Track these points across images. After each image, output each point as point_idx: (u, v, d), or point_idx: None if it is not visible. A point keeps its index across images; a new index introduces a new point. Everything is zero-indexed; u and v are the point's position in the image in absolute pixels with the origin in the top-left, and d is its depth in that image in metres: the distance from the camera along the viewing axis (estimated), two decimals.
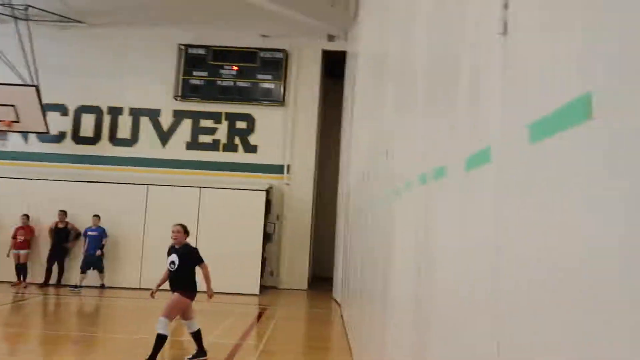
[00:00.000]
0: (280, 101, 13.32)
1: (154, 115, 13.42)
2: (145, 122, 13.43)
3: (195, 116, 13.40)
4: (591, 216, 0.96)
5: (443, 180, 2.24)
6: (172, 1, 12.23)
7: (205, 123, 13.41)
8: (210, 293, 5.99)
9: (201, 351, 5.90)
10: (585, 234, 0.99)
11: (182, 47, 13.36)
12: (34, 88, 12.04)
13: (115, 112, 13.47)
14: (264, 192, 11.94)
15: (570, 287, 1.04)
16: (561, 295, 1.08)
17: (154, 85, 13.23)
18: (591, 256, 0.95)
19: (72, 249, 11.92)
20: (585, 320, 0.97)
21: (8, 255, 11.55)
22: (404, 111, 3.74)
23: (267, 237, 12.33)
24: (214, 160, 13.21)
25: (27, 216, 11.75)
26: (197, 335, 5.88)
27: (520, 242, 1.36)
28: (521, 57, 1.43)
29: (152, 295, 6.09)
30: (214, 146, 13.33)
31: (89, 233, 11.53)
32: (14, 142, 13.18)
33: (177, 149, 13.30)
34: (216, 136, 13.35)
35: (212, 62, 13.34)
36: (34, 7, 12.21)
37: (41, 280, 11.60)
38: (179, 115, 13.41)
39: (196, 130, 13.38)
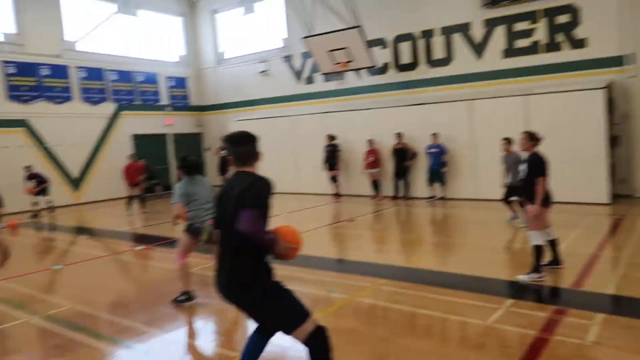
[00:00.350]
0: None
1: (464, 29, 13.40)
2: (457, 39, 13.56)
3: (508, 21, 12.72)
4: None
5: None
6: None
7: (520, 26, 12.59)
8: (532, 209, 5.66)
9: (555, 260, 5.96)
10: None
11: None
12: (357, 29, 13.62)
13: (427, 35, 14.02)
14: (602, 90, 10.55)
15: None
16: None
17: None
18: None
19: (411, 167, 13.39)
20: None
21: (364, 174, 13.87)
22: None
23: (613, 141, 11.03)
24: (535, 64, 12.41)
25: (371, 141, 13.68)
26: (552, 244, 5.94)
27: None
28: None
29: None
30: (532, 49, 12.46)
31: (430, 150, 12.60)
32: (351, 80, 15.32)
33: (493, 59, 13.04)
34: (534, 38, 12.41)
35: None
36: None
37: (391, 194, 13.56)
38: (489, 24, 12.99)
39: (511, 36, 12.73)
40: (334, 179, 14.34)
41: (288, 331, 2.90)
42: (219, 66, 19.36)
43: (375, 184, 13.73)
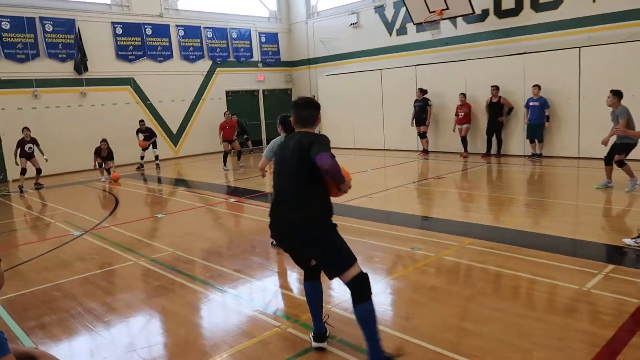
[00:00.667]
0: None
1: None
2: None
3: None
4: None
5: None
6: None
7: None
8: None
9: None
10: None
11: None
12: None
13: None
14: None
15: None
16: None
17: None
18: None
19: (506, 122, 12.64)
20: None
21: (454, 130, 13.35)
22: None
23: None
24: None
25: (464, 95, 13.04)
26: None
27: None
28: None
29: None
30: None
31: (531, 103, 11.78)
32: (445, 29, 14.53)
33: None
34: None
35: None
36: None
37: (484, 151, 12.96)
38: None
39: None
40: (422, 135, 13.97)
41: (340, 271, 3.18)
42: (310, 20, 19.25)
43: (464, 141, 13.17)
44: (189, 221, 7.84)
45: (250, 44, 19.09)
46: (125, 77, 15.94)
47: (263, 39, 19.48)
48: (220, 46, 18.21)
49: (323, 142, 3.16)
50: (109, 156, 13.07)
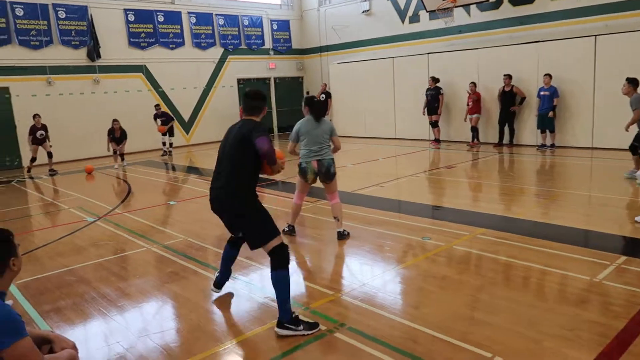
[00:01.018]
0: None
1: None
2: None
3: None
4: None
5: None
6: None
7: None
8: None
9: None
10: None
11: None
12: None
13: None
14: None
15: None
16: None
17: None
18: None
19: (518, 112, 12.51)
20: None
21: (465, 120, 13.25)
22: None
23: None
24: None
25: (474, 83, 12.90)
26: None
27: None
28: None
29: None
30: None
31: (542, 93, 11.65)
32: (459, 17, 14.36)
33: None
34: None
35: None
36: None
37: (496, 140, 12.85)
38: None
39: None
40: (434, 124, 13.88)
41: (261, 243, 3.66)
42: (322, 7, 19.12)
43: (473, 131, 13.06)
44: (201, 208, 7.89)
45: (262, 31, 19.04)
46: (137, 64, 15.99)
47: (275, 27, 19.40)
48: (231, 33, 18.19)
49: (262, 129, 3.67)
50: (122, 136, 13.10)
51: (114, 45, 15.45)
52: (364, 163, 11.69)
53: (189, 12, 17.02)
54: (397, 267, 4.87)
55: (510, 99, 12.35)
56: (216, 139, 17.54)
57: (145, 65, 16.15)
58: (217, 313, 4.13)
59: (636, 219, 5.41)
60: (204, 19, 17.39)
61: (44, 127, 12.31)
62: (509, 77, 12.19)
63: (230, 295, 4.45)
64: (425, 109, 13.85)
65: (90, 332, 3.90)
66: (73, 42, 14.69)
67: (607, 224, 5.85)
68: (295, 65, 20.26)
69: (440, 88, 13.59)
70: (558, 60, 11.66)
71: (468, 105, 13.03)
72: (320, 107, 5.91)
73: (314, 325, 3.61)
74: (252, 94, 3.93)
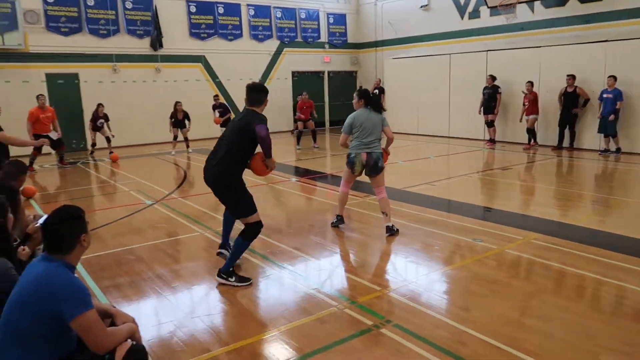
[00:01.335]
0: None
1: None
2: None
3: None
4: None
5: None
6: None
7: None
8: None
9: None
10: None
11: None
12: None
13: None
14: None
15: None
16: None
17: None
18: None
19: (580, 114, 11.97)
20: None
21: (520, 121, 12.81)
22: None
23: None
24: None
25: (531, 83, 12.44)
26: None
27: None
28: None
29: None
30: None
31: (604, 95, 11.13)
32: (521, 13, 13.87)
33: None
34: None
35: None
36: None
37: (555, 143, 12.36)
38: None
39: None
40: (490, 124, 13.52)
41: (240, 217, 4.44)
42: (379, 1, 18.95)
43: (529, 132, 12.61)
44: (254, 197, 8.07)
45: (318, 24, 19.10)
46: (197, 55, 16.45)
47: (331, 20, 19.42)
48: (288, 26, 18.36)
49: (263, 118, 4.27)
50: (185, 117, 13.53)
51: (176, 35, 15.96)
52: (415, 160, 11.55)
53: (247, 5, 17.32)
54: (445, 267, 4.82)
55: (572, 101, 11.83)
56: (270, 130, 17.77)
57: (204, 56, 16.59)
58: (265, 300, 4.24)
59: None
60: (262, 11, 17.65)
61: (105, 117, 12.96)
62: (572, 77, 11.68)
63: (278, 284, 4.55)
64: (482, 108, 13.50)
65: (144, 309, 4.10)
66: (138, 32, 15.29)
67: None
68: (350, 59, 20.22)
69: (498, 87, 13.21)
70: (626, 61, 11.06)
71: (524, 105, 12.60)
72: (376, 99, 5.93)
73: (244, 279, 4.40)
74: (254, 86, 4.42)
